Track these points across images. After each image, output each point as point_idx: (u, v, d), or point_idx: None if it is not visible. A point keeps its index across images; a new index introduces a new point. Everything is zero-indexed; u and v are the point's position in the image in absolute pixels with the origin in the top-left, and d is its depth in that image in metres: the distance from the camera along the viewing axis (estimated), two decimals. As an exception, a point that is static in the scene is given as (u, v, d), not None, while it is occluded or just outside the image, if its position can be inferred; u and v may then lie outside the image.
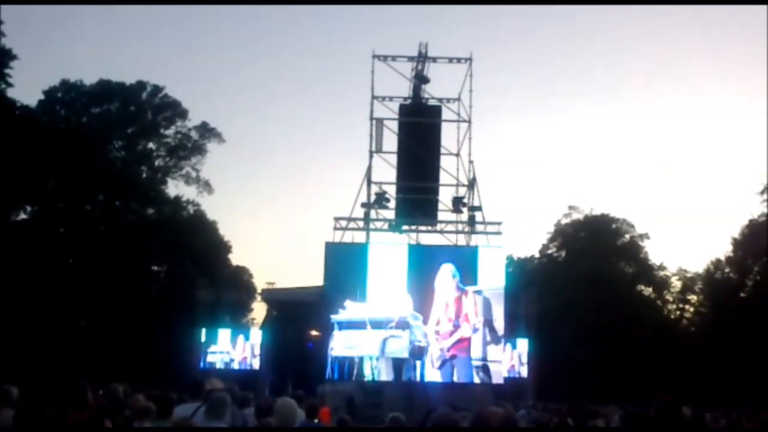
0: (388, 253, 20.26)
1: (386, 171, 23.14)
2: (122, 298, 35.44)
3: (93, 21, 47.08)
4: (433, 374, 19.13)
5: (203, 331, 25.76)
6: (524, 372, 24.00)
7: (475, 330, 19.11)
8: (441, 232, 23.28)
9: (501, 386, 19.78)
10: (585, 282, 41.08)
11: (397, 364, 18.99)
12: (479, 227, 22.39)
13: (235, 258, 46.56)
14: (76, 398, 5.70)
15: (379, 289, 19.55)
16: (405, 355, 19.04)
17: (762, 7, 38.52)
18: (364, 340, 19.03)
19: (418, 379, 19.14)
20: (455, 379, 19.19)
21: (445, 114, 23.91)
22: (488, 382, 19.35)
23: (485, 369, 19.18)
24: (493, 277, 20.07)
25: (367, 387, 19.46)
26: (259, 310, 40.18)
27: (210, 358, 25.67)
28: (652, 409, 8.16)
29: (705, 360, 37.41)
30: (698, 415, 13.32)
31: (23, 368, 23.86)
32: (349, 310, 19.20)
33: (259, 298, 34.73)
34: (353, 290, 19.47)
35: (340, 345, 19.18)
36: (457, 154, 23.69)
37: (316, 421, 8.79)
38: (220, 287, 30.62)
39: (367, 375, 19.10)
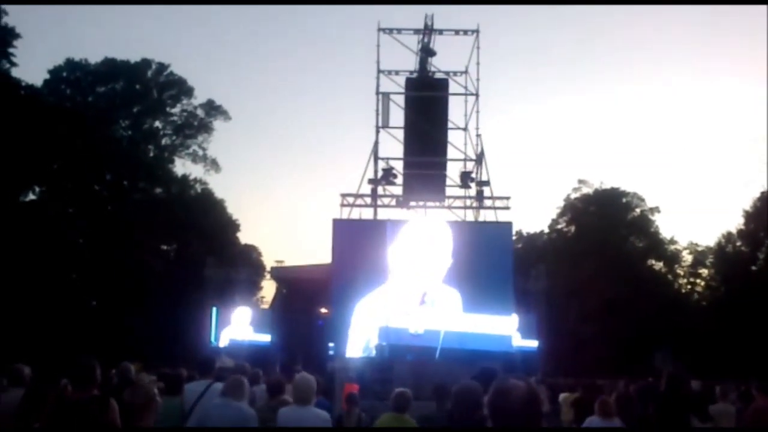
0: (397, 230, 20.11)
1: (393, 146, 22.94)
2: (131, 278, 35.58)
3: None
4: (451, 351, 19.00)
5: (213, 309, 25.84)
6: (533, 346, 23.93)
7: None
8: (449, 207, 23.10)
9: (510, 361, 19.69)
10: (595, 256, 40.95)
11: (411, 341, 18.90)
12: (487, 202, 22.19)
13: (244, 236, 46.77)
14: (82, 375, 5.65)
15: (387, 266, 19.43)
16: (419, 331, 18.95)
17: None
18: (378, 317, 18.97)
19: (434, 355, 19.06)
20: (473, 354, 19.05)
21: (452, 87, 23.61)
22: (499, 357, 19.25)
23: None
24: (501, 253, 19.93)
25: (377, 363, 19.42)
26: (268, 288, 40.34)
27: (220, 336, 25.75)
28: (661, 382, 8.09)
29: (716, 334, 37.31)
30: (708, 388, 13.27)
31: (34, 349, 24.02)
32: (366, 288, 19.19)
33: (268, 276, 34.78)
34: (361, 267, 19.36)
35: (355, 321, 19.22)
36: (465, 128, 23.43)
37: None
38: (228, 266, 30.66)
39: (379, 351, 19.04)
